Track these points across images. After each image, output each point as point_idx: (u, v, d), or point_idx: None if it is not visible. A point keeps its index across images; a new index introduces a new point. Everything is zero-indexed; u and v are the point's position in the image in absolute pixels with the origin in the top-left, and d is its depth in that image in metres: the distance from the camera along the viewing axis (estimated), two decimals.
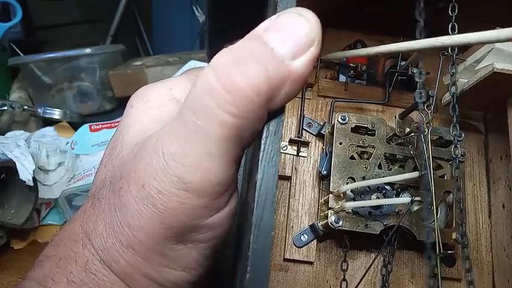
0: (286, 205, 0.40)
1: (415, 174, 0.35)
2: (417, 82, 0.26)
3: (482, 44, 0.29)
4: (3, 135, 0.71)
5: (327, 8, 0.35)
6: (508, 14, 0.35)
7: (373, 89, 0.44)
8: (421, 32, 0.24)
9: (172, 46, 1.30)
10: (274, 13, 0.20)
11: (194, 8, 1.19)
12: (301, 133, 0.41)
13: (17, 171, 0.57)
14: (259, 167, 0.19)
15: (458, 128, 0.31)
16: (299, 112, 0.42)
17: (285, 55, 0.19)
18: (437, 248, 0.31)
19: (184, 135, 0.20)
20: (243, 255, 0.20)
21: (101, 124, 0.82)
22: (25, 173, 0.57)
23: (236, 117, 0.19)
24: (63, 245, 0.23)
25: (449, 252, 0.34)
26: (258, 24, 0.20)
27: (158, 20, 1.38)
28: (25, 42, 0.96)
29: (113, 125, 0.82)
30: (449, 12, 0.29)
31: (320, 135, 0.42)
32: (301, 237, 0.38)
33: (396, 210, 0.36)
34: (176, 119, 0.21)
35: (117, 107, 0.96)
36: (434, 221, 0.31)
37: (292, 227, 0.39)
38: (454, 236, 0.36)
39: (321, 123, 0.42)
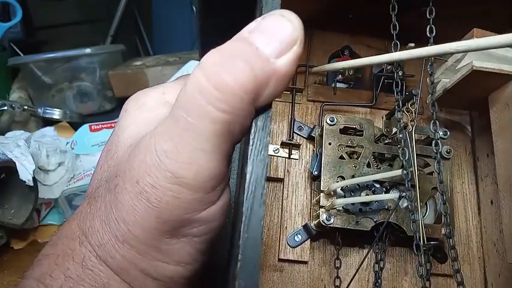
0: (280, 206, 0.40)
1: (399, 171, 0.36)
2: (399, 83, 0.27)
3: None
4: (3, 135, 0.71)
5: (313, 11, 0.36)
6: (485, 16, 0.35)
7: (361, 93, 0.45)
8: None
9: (172, 46, 1.30)
10: (260, 16, 0.21)
11: (194, 8, 1.20)
12: (293, 136, 0.42)
13: (17, 171, 0.57)
14: (248, 161, 0.19)
15: (437, 124, 0.32)
16: (290, 116, 0.43)
17: (270, 54, 0.20)
18: (422, 240, 0.32)
19: (176, 133, 0.21)
20: (235, 245, 0.20)
21: (101, 124, 0.83)
22: (25, 173, 0.58)
23: (226, 114, 0.20)
24: (60, 244, 0.24)
25: (434, 243, 0.34)
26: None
27: (158, 20, 1.39)
28: (25, 42, 0.97)
29: (113, 125, 0.83)
30: (427, 15, 0.29)
31: (310, 138, 0.43)
32: (295, 238, 0.39)
33: (386, 207, 0.37)
34: (169, 118, 0.21)
35: (117, 107, 0.96)
36: (419, 214, 0.32)
37: (286, 227, 0.40)
38: (443, 231, 0.37)
39: (311, 126, 0.43)
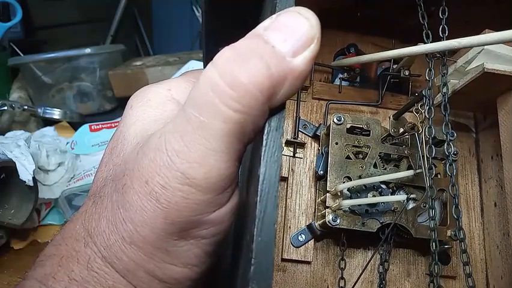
0: (284, 206, 0.40)
1: (410, 172, 0.36)
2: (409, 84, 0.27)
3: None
4: (3, 135, 0.71)
5: (324, 7, 0.36)
6: (492, 16, 0.35)
7: (366, 92, 0.45)
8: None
9: (172, 46, 1.31)
10: (274, 13, 0.20)
11: (194, 8, 1.20)
12: (297, 135, 0.41)
13: (17, 171, 0.57)
14: (261, 162, 0.19)
15: (450, 126, 0.32)
16: (295, 114, 0.42)
17: (286, 53, 0.19)
18: (434, 241, 0.32)
19: (187, 132, 0.20)
20: (245, 248, 0.20)
21: (101, 124, 0.82)
22: (25, 173, 0.58)
23: (240, 113, 0.19)
24: (64, 244, 0.23)
25: (445, 246, 0.34)
26: (257, 25, 0.21)
27: (158, 20, 1.39)
28: (25, 42, 0.97)
29: (113, 125, 0.82)
30: (440, 15, 0.29)
31: (315, 137, 0.42)
32: (299, 237, 0.39)
33: (392, 208, 0.37)
34: (180, 116, 0.21)
35: (117, 107, 0.97)
36: (431, 215, 0.32)
37: (289, 227, 0.39)
38: (448, 233, 0.37)
39: (317, 125, 0.42)
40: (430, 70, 0.30)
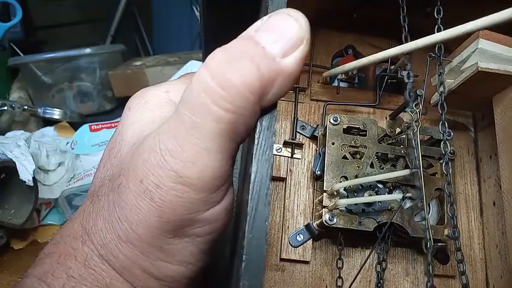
0: (282, 206, 0.40)
1: (406, 171, 0.36)
2: (406, 83, 0.27)
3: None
4: (3, 135, 0.71)
5: (321, 8, 0.36)
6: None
7: (364, 93, 0.45)
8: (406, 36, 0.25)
9: (172, 46, 1.31)
10: (266, 14, 0.21)
11: (194, 8, 1.20)
12: (295, 136, 0.42)
13: (17, 171, 0.57)
14: (253, 160, 0.19)
15: (446, 125, 0.32)
16: (293, 115, 0.42)
17: (276, 53, 0.20)
18: (429, 241, 0.32)
19: (181, 132, 0.20)
20: (238, 246, 0.20)
21: (101, 124, 0.83)
22: (25, 173, 0.58)
23: (231, 113, 0.19)
24: (63, 243, 0.24)
25: (440, 244, 0.34)
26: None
27: (158, 20, 1.39)
28: (25, 42, 0.97)
29: (113, 125, 0.83)
30: (435, 15, 0.29)
31: (313, 138, 0.42)
32: (297, 237, 0.39)
33: (389, 207, 0.37)
34: (173, 116, 0.21)
35: (117, 107, 0.97)
36: (426, 214, 0.32)
37: (288, 227, 0.40)
38: (445, 232, 0.37)
39: (314, 126, 0.43)
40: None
